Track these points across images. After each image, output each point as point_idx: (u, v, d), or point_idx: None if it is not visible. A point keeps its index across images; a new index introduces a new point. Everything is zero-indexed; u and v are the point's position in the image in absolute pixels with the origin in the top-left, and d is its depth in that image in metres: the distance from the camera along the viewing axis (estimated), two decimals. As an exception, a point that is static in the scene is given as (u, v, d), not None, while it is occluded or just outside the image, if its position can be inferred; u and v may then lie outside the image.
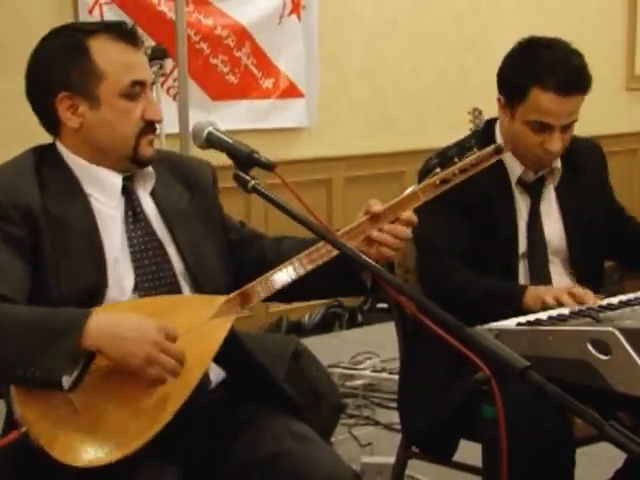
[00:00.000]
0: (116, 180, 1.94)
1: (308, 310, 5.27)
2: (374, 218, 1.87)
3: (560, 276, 2.53)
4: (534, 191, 2.53)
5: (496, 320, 1.98)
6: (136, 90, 1.91)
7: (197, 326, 1.80)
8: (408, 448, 2.63)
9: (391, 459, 2.76)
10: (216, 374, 2.01)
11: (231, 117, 4.73)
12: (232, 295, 1.85)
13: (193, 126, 1.89)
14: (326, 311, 5.31)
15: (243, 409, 1.97)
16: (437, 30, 5.70)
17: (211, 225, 2.05)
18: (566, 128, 2.42)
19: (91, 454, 1.67)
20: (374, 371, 4.33)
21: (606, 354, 1.83)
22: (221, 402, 1.98)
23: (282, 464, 1.83)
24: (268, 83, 5.06)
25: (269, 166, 1.82)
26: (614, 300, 2.15)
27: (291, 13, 5.09)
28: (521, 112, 2.40)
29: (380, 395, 4.13)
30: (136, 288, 1.90)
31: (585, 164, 2.60)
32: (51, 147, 1.97)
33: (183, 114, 3.81)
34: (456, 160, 1.88)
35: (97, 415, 1.71)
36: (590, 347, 1.84)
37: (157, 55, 4.24)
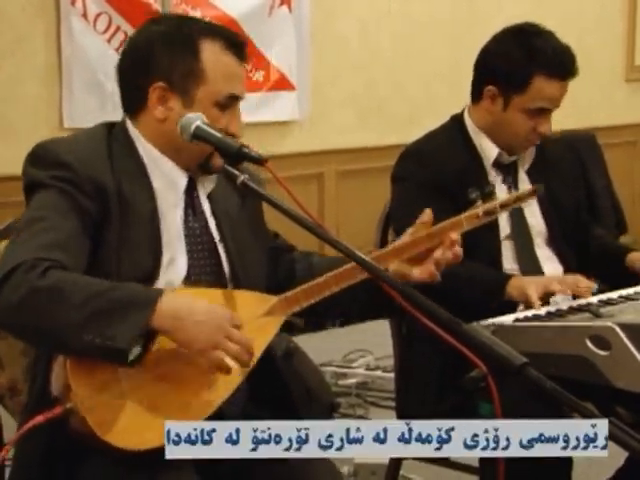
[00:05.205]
0: (182, 178, 1.94)
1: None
2: (416, 241, 1.90)
3: (547, 258, 2.53)
4: (510, 172, 2.56)
5: (479, 309, 2.02)
6: (229, 102, 1.91)
7: (249, 321, 1.83)
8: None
9: (385, 459, 2.74)
10: None
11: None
12: (283, 296, 1.89)
13: (180, 120, 1.87)
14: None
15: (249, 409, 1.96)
16: (432, 20, 5.65)
17: (257, 233, 2.07)
18: None
19: (138, 438, 1.68)
20: (367, 369, 4.30)
21: (605, 350, 1.83)
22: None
23: (279, 469, 1.86)
24: (258, 76, 5.02)
25: (259, 160, 1.81)
26: (614, 295, 2.16)
27: (281, 4, 5.05)
28: (519, 101, 2.44)
29: (374, 394, 4.10)
30: (185, 284, 1.90)
31: (559, 156, 2.66)
32: (121, 126, 1.95)
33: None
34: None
35: (146, 399, 1.72)
36: (589, 343, 1.85)
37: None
